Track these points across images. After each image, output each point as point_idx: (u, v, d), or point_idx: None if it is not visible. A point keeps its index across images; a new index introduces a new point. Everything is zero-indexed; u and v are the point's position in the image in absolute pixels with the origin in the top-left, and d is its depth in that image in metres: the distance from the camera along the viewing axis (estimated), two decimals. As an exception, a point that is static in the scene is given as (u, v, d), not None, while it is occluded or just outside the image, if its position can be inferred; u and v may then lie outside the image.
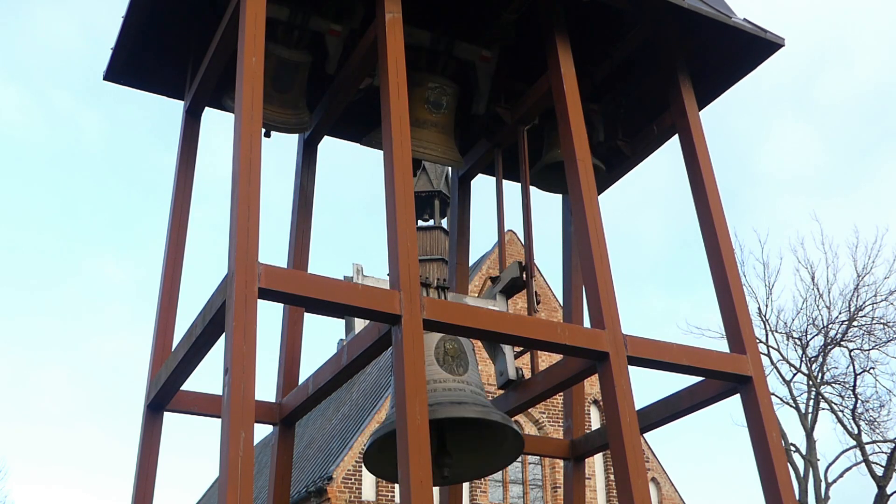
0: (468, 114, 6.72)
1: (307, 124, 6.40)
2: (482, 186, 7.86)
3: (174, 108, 40.05)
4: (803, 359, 26.38)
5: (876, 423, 25.40)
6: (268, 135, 6.20)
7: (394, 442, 4.46)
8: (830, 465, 25.87)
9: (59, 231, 75.51)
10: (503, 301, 6.01)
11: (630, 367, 5.18)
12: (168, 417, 5.81)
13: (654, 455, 23.37)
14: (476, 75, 6.49)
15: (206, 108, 6.51)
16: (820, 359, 26.18)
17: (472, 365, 5.66)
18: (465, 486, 20.05)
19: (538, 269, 23.17)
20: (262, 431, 34.65)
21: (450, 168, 7.43)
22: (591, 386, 20.15)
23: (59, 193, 74.97)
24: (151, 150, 74.89)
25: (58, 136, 75.24)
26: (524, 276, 5.99)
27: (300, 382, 6.04)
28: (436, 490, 6.74)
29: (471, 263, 9.85)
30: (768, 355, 26.24)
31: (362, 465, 19.39)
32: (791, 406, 26.32)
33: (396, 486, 4.41)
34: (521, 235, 7.16)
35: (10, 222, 66.45)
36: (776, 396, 25.80)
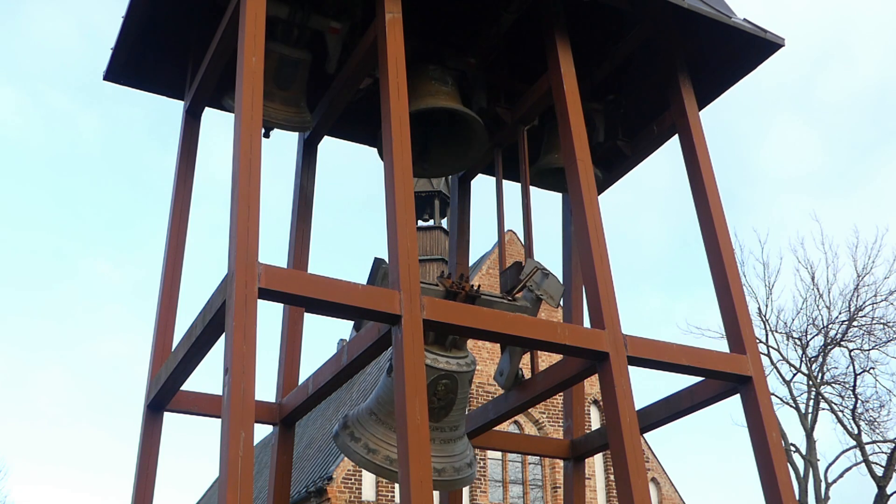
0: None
1: (308, 123, 6.39)
2: (482, 186, 7.87)
3: (172, 109, 39.51)
4: (803, 359, 26.37)
5: (876, 423, 25.39)
6: (267, 135, 6.19)
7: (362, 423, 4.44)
8: (830, 465, 25.85)
9: (56, 231, 75.54)
10: (536, 307, 5.85)
11: (630, 367, 5.18)
12: (168, 417, 5.82)
13: (654, 455, 23.36)
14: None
15: (206, 108, 6.51)
16: (820, 359, 26.17)
17: None
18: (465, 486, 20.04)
19: (538, 269, 23.12)
20: (262, 431, 34.67)
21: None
22: (591, 386, 20.13)
23: (57, 194, 75.00)
24: (149, 151, 74.90)
25: (55, 137, 75.28)
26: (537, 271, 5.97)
27: (300, 382, 6.04)
28: (435, 490, 6.74)
29: (471, 263, 9.85)
30: (768, 355, 26.23)
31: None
32: (791, 406, 26.31)
33: (396, 485, 4.41)
34: (521, 235, 7.15)
35: (7, 223, 66.48)
36: (776, 396, 25.80)
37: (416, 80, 6.17)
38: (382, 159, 6.46)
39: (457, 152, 6.75)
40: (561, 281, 5.82)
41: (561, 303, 5.85)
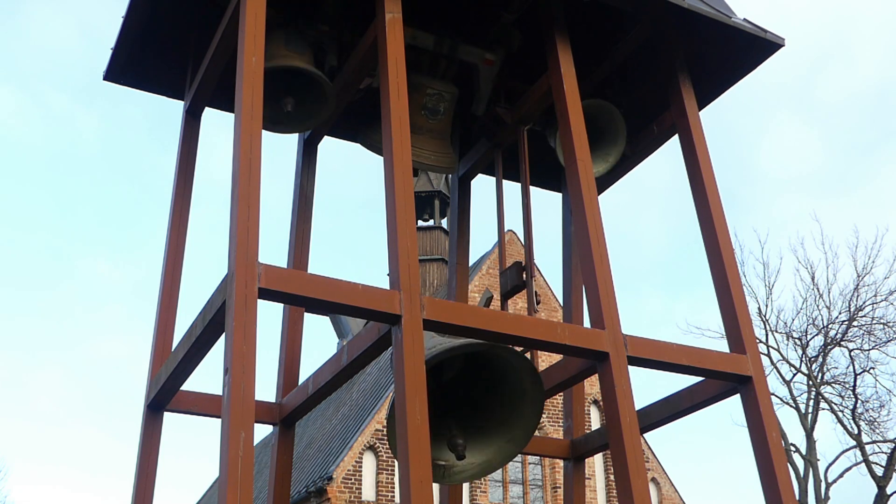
0: (468, 114, 6.72)
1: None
2: (482, 186, 7.87)
3: (171, 109, 39.62)
4: (803, 359, 26.38)
5: (876, 423, 25.39)
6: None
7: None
8: (830, 465, 25.87)
9: (55, 231, 75.54)
10: None
11: (630, 367, 5.18)
12: (168, 417, 5.82)
13: (654, 455, 23.36)
14: (479, 78, 6.49)
15: (206, 108, 6.51)
16: (820, 359, 26.18)
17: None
18: (465, 486, 20.06)
19: (538, 269, 23.17)
20: (262, 431, 34.66)
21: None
22: (591, 386, 20.14)
23: (56, 194, 74.99)
24: (148, 151, 74.88)
25: (54, 138, 75.26)
26: (524, 275, 5.99)
27: (300, 382, 6.04)
28: (435, 490, 6.73)
29: (471, 263, 9.85)
30: (768, 355, 26.23)
31: (362, 465, 19.40)
32: (791, 406, 26.32)
33: (397, 485, 4.42)
34: (521, 235, 7.15)
35: (7, 223, 66.43)
36: (776, 396, 25.81)
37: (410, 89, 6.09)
38: (368, 147, 6.48)
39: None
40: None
41: (561, 303, 5.86)
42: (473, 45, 6.40)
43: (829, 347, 26.03)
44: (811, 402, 26.22)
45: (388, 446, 19.44)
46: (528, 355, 6.46)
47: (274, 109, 6.01)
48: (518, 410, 5.59)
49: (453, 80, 6.45)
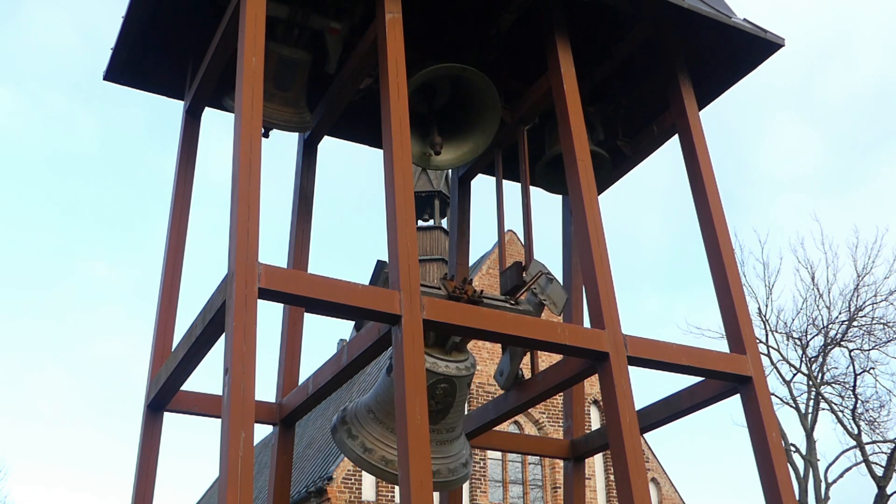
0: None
1: (308, 123, 6.38)
2: (482, 186, 7.86)
3: (170, 109, 39.66)
4: (803, 359, 26.36)
5: (876, 423, 25.38)
6: (266, 135, 6.19)
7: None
8: (830, 465, 25.85)
9: (54, 232, 75.53)
10: (539, 312, 5.84)
11: (630, 367, 5.18)
12: (168, 417, 5.82)
13: (654, 455, 23.36)
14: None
15: (206, 108, 6.51)
16: (820, 359, 26.17)
17: None
18: (465, 486, 20.05)
19: (538, 269, 23.11)
20: (262, 431, 34.65)
21: (449, 168, 7.41)
22: (591, 386, 20.12)
23: (55, 194, 75.00)
24: (147, 152, 74.85)
25: (53, 138, 75.26)
26: (524, 275, 5.99)
27: (300, 382, 6.04)
28: (435, 490, 6.74)
29: (471, 263, 9.85)
30: (768, 355, 26.22)
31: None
32: (791, 406, 26.31)
33: (396, 486, 4.42)
34: (521, 235, 7.15)
35: (6, 223, 66.46)
36: (776, 396, 25.80)
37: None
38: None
39: (466, 136, 6.55)
40: (562, 287, 5.80)
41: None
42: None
43: (829, 347, 26.02)
44: (811, 402, 26.22)
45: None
46: (526, 357, 6.48)
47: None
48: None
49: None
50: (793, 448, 25.58)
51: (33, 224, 72.26)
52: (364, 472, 19.24)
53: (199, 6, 6.25)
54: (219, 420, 4.35)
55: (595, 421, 21.83)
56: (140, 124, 77.64)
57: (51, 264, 73.28)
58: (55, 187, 74.96)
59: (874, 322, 25.50)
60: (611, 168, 7.03)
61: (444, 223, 26.59)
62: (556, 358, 5.59)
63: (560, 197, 7.58)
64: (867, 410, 25.51)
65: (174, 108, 6.77)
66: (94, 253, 78.38)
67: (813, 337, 26.21)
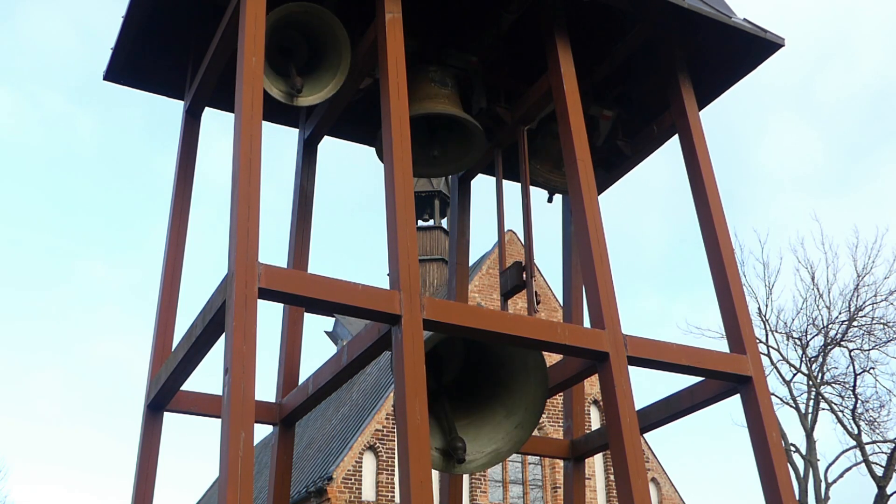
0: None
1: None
2: (482, 186, 7.86)
3: (169, 110, 39.75)
4: (803, 359, 26.36)
5: (876, 423, 25.38)
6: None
7: None
8: (830, 465, 25.85)
9: (53, 232, 75.51)
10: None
11: (630, 367, 5.18)
12: (168, 417, 5.82)
13: (654, 455, 23.35)
14: (470, 80, 6.51)
15: (206, 108, 6.51)
16: (820, 359, 26.17)
17: None
18: (465, 486, 20.05)
19: (538, 269, 23.17)
20: (262, 431, 34.66)
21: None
22: (591, 386, 20.13)
23: (54, 195, 74.97)
24: (146, 152, 74.83)
25: (52, 139, 75.24)
26: (525, 275, 5.99)
27: (300, 382, 6.04)
28: (436, 490, 6.74)
29: (471, 263, 9.85)
30: (768, 355, 26.22)
31: (362, 465, 19.40)
32: (791, 406, 26.31)
33: (397, 485, 4.42)
34: (521, 235, 7.15)
35: (5, 224, 66.44)
36: (776, 396, 25.80)
37: (415, 82, 6.15)
38: (381, 159, 6.50)
39: (456, 154, 6.76)
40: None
41: (561, 303, 5.86)
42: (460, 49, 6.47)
43: (829, 347, 26.02)
44: (811, 402, 26.22)
45: (388, 446, 19.48)
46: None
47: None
48: (521, 393, 5.71)
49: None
50: (793, 448, 25.58)
51: (33, 224, 72.27)
52: (364, 472, 19.26)
53: (199, 6, 6.25)
54: (219, 420, 4.35)
55: (595, 421, 21.82)
56: (139, 125, 77.66)
57: (50, 264, 73.31)
58: (55, 188, 74.98)
59: (874, 322, 25.50)
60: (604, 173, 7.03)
61: (444, 223, 26.60)
62: (557, 358, 5.59)
63: (560, 197, 7.58)
64: (867, 410, 25.52)
65: (173, 109, 6.80)
66: (94, 253, 78.40)
67: (813, 337, 26.22)
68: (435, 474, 5.49)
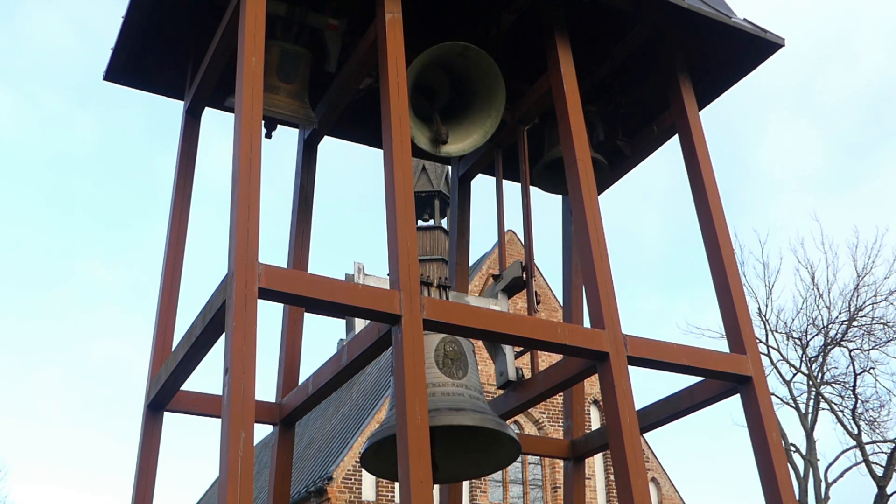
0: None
1: (313, 119, 6.31)
2: (482, 186, 7.86)
3: (167, 110, 39.66)
4: (803, 359, 26.38)
5: (876, 423, 25.40)
6: (269, 135, 6.18)
7: (390, 445, 4.45)
8: (830, 465, 25.87)
9: (52, 232, 75.55)
10: (504, 300, 6.02)
11: (630, 367, 5.18)
12: (168, 417, 5.81)
13: (654, 455, 23.37)
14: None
15: (206, 108, 6.51)
16: (820, 359, 26.18)
17: (471, 368, 5.66)
18: (465, 486, 20.04)
19: (538, 269, 23.17)
20: (262, 431, 34.66)
21: (450, 168, 7.42)
22: (591, 386, 20.13)
23: (53, 195, 74.98)
24: (145, 152, 74.86)
25: (51, 139, 75.24)
26: (525, 275, 5.99)
27: (300, 382, 6.04)
28: (436, 490, 6.74)
29: (471, 263, 9.86)
30: (768, 355, 26.24)
31: (362, 464, 19.41)
32: (791, 406, 26.33)
33: (396, 486, 4.43)
34: (521, 235, 7.15)
35: (4, 224, 66.43)
36: (776, 396, 25.81)
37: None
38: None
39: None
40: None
41: (561, 303, 5.86)
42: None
43: (829, 347, 26.04)
44: (811, 402, 26.24)
45: (388, 446, 19.47)
46: (526, 358, 6.48)
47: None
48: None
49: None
50: (793, 448, 25.60)
51: (32, 224, 72.27)
52: (364, 472, 19.26)
53: (199, 6, 6.25)
54: (219, 420, 4.35)
55: (595, 421, 21.83)
56: (138, 125, 77.69)
57: (50, 265, 73.33)
58: (54, 188, 75.01)
59: (874, 322, 25.54)
60: (608, 169, 7.01)
61: (444, 223, 26.60)
62: (557, 358, 5.59)
63: (560, 197, 7.58)
64: (867, 410, 25.55)
65: (172, 109, 6.80)
66: (93, 253, 78.42)
67: (813, 337, 26.24)
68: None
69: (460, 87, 6.20)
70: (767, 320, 26.61)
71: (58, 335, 70.31)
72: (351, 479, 19.25)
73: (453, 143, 6.02)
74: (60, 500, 53.28)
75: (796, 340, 26.39)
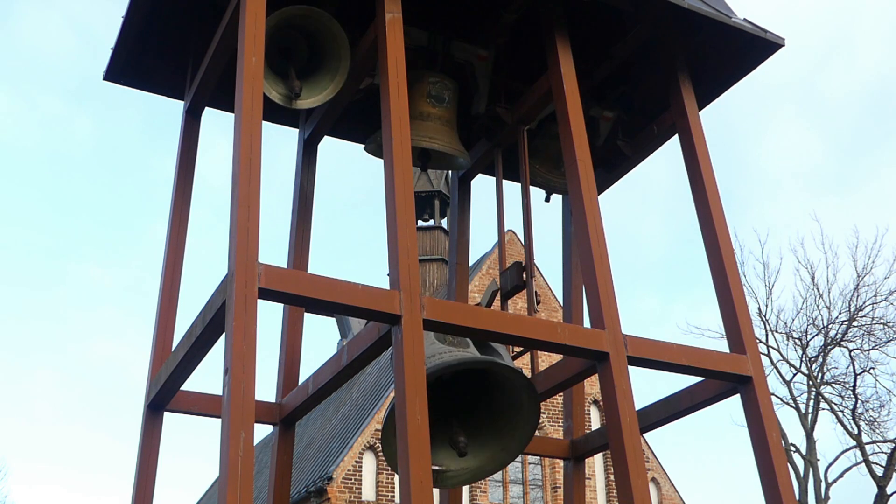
0: (468, 114, 6.71)
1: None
2: (482, 186, 7.86)
3: (166, 111, 39.73)
4: (803, 359, 26.37)
5: (876, 423, 25.39)
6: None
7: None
8: (830, 465, 25.86)
9: (51, 233, 75.56)
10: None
11: (630, 367, 5.18)
12: (168, 417, 5.82)
13: (654, 455, 23.36)
14: (475, 75, 6.49)
15: (206, 108, 6.51)
16: (820, 359, 26.18)
17: (473, 350, 5.67)
18: (465, 486, 20.04)
19: (538, 269, 23.17)
20: (262, 431, 34.66)
21: (449, 170, 7.42)
22: (591, 386, 20.13)
23: (52, 196, 74.98)
24: (143, 153, 74.84)
25: (49, 140, 75.23)
26: (524, 275, 5.99)
27: (300, 382, 6.04)
28: (435, 490, 6.74)
29: (471, 263, 9.85)
30: (768, 355, 26.23)
31: (362, 465, 19.40)
32: (791, 406, 26.32)
33: (397, 486, 4.43)
34: (521, 235, 7.14)
35: (3, 224, 66.45)
36: (776, 396, 25.80)
37: (412, 91, 6.00)
38: (366, 150, 6.49)
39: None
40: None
41: (561, 303, 5.88)
42: (467, 42, 6.40)
43: (829, 347, 26.03)
44: (811, 402, 26.23)
45: (388, 446, 19.47)
46: (526, 357, 6.48)
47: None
48: (513, 422, 5.79)
49: (451, 75, 6.44)
50: (793, 448, 25.59)
51: (30, 225, 72.27)
52: (364, 472, 19.27)
53: (198, 6, 6.25)
54: (219, 420, 4.35)
55: (595, 421, 21.82)
56: (136, 126, 77.69)
57: (48, 265, 73.34)
58: (52, 189, 75.00)
59: (874, 322, 25.53)
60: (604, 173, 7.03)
61: (444, 223, 26.61)
62: (557, 358, 5.59)
63: (560, 197, 7.58)
64: (867, 410, 25.54)
65: (171, 109, 6.79)
66: (91, 253, 78.43)
67: (813, 337, 26.24)
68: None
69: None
70: (767, 320, 26.62)
71: (56, 335, 70.34)
72: (351, 479, 19.25)
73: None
74: (60, 500, 53.30)
75: (796, 340, 26.40)
